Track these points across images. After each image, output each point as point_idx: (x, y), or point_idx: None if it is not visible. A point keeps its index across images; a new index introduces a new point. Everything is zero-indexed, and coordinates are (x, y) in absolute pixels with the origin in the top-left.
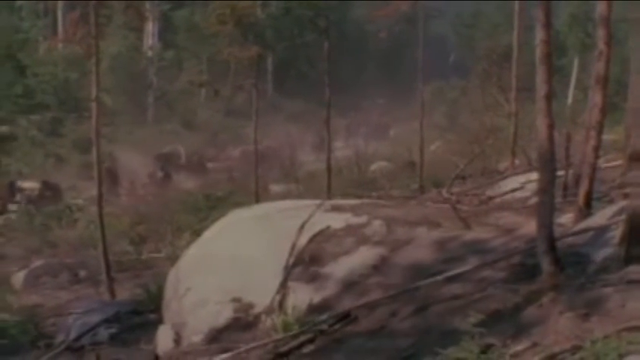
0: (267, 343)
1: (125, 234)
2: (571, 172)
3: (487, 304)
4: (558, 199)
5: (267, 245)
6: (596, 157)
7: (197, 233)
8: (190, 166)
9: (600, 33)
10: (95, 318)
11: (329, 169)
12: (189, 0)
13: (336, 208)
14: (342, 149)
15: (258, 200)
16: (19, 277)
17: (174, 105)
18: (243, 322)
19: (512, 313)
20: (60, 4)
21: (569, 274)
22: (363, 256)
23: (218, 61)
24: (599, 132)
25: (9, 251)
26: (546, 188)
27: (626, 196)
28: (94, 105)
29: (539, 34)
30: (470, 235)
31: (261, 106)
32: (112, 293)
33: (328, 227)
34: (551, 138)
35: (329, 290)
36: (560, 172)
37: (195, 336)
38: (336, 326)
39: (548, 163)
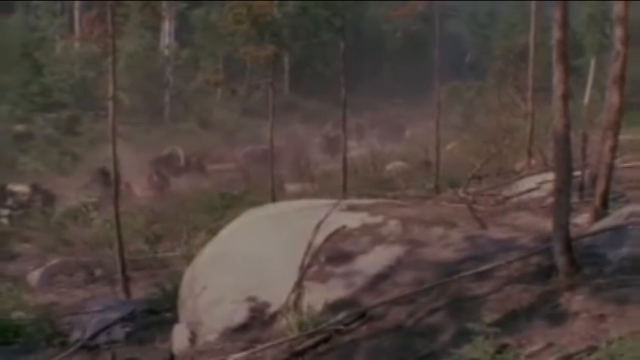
0: (282, 342)
1: (141, 233)
2: (587, 172)
3: (503, 304)
4: (574, 200)
5: (283, 244)
6: (613, 157)
7: (213, 232)
8: (189, 169)
9: (617, 33)
10: (111, 316)
11: (345, 168)
12: None
13: (352, 208)
14: (354, 149)
15: (274, 199)
16: (34, 276)
17: (191, 104)
18: (258, 321)
19: (528, 313)
20: (77, 2)
21: (585, 275)
22: (378, 256)
23: (234, 60)
24: (616, 132)
25: (25, 250)
26: (563, 188)
27: None
28: (110, 103)
29: (556, 34)
30: (486, 236)
31: (277, 105)
32: (128, 292)
33: (344, 227)
34: (567, 138)
35: (344, 290)
36: (577, 173)
37: (210, 335)
38: (352, 326)
39: (564, 163)
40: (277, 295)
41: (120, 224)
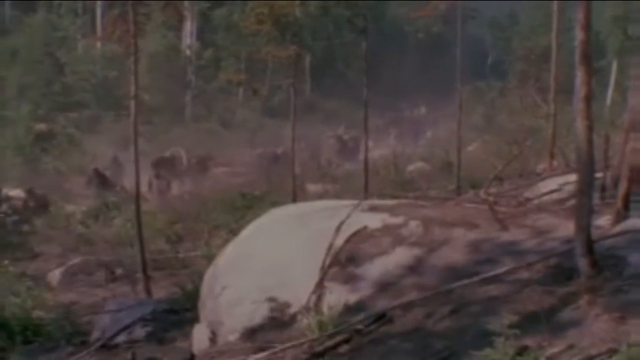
0: (302, 342)
1: (162, 232)
2: (609, 173)
3: (523, 305)
4: (596, 201)
5: (304, 245)
6: (636, 159)
7: (234, 232)
8: (192, 172)
9: None
10: (131, 316)
11: (366, 169)
12: None
13: (373, 209)
14: (373, 149)
15: (295, 200)
16: (55, 275)
17: (212, 104)
18: (278, 322)
19: (549, 315)
20: (98, 2)
21: (606, 277)
22: (399, 257)
23: (256, 60)
24: (638, 133)
25: (46, 249)
26: (584, 190)
27: None
28: (132, 103)
29: (579, 35)
30: (507, 237)
31: (299, 105)
32: (149, 291)
33: (365, 227)
34: (590, 140)
35: (365, 290)
36: (599, 174)
37: (230, 335)
38: (372, 327)
39: (586, 165)
40: (298, 296)
41: (141, 223)
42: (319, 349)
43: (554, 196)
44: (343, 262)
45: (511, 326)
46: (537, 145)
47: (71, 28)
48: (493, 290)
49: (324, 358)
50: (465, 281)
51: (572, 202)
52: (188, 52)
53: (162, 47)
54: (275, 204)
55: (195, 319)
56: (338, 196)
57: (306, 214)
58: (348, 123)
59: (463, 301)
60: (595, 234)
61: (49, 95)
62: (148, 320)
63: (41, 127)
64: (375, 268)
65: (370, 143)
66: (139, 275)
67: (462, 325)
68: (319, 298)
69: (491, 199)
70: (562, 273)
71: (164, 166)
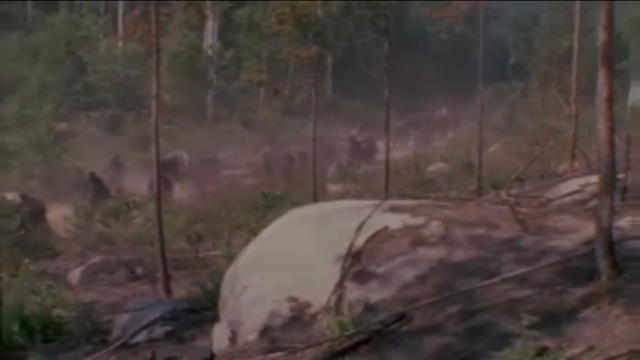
0: (322, 342)
1: (182, 232)
2: (631, 175)
3: (544, 306)
4: (617, 202)
5: (325, 245)
6: None
7: (254, 232)
8: (193, 174)
9: None
10: (151, 315)
11: (387, 169)
12: None
13: (394, 209)
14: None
15: (316, 200)
16: (75, 274)
17: (234, 104)
18: (298, 322)
19: (569, 316)
20: (120, 2)
21: (627, 278)
22: (419, 257)
23: (278, 60)
24: None
25: (66, 248)
26: (606, 191)
27: None
28: (153, 103)
29: (601, 36)
30: (528, 238)
31: (320, 105)
32: (169, 290)
33: (386, 228)
34: (611, 141)
35: (385, 291)
36: (620, 175)
37: (250, 334)
38: (392, 327)
39: (608, 166)
40: (318, 296)
41: (162, 223)
42: (339, 349)
43: (576, 197)
44: (364, 262)
45: (531, 327)
46: (558, 146)
47: (93, 27)
48: (513, 291)
49: (345, 358)
50: (486, 282)
51: (594, 203)
52: (210, 52)
53: (183, 47)
54: (296, 204)
55: (215, 319)
56: (359, 196)
57: (326, 214)
58: (369, 124)
59: (483, 302)
60: (616, 235)
61: (70, 94)
62: (168, 319)
63: (62, 126)
64: (396, 269)
65: (390, 144)
66: (159, 274)
67: (482, 325)
68: (339, 298)
69: (512, 199)
70: (583, 274)
71: (166, 168)
